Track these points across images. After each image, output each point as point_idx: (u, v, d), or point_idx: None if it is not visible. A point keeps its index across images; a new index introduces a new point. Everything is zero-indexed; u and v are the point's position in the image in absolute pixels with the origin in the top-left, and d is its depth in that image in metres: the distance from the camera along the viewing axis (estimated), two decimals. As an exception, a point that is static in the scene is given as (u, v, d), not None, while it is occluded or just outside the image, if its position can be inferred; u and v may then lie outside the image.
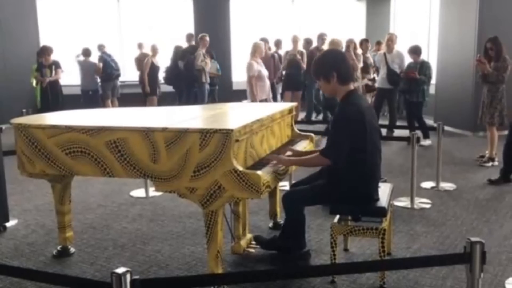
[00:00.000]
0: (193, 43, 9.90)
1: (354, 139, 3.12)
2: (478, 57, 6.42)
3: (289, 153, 3.63)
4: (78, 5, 12.06)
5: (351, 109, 3.17)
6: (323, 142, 3.49)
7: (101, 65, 10.33)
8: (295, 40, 9.30)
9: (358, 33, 12.24)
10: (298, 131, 4.22)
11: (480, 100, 6.56)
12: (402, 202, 4.91)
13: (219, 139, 2.87)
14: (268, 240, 3.69)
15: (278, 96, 9.81)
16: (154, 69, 9.80)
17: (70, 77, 11.38)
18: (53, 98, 9.44)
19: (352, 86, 3.29)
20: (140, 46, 10.84)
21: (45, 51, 9.47)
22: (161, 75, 10.24)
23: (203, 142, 2.90)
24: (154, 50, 9.84)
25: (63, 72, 9.74)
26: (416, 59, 7.77)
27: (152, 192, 5.30)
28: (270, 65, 9.35)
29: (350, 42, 8.75)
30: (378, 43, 10.31)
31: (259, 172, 2.89)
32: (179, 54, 9.86)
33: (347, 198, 3.22)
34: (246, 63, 7.46)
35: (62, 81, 11.84)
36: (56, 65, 9.52)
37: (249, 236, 3.85)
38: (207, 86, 9.56)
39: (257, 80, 7.33)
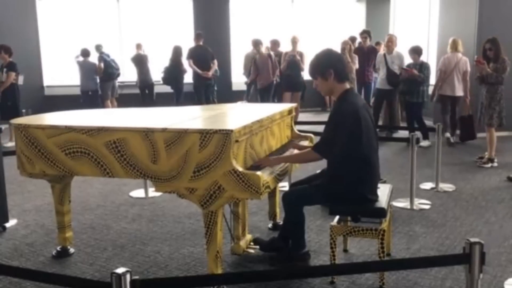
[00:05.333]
0: (201, 43, 9.86)
1: (350, 135, 3.14)
2: (477, 58, 6.43)
3: (294, 151, 3.68)
4: (78, 6, 12.05)
5: (346, 106, 3.21)
6: None
7: (102, 65, 10.32)
8: (294, 41, 9.30)
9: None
10: (297, 132, 4.23)
11: (479, 101, 6.56)
12: (402, 203, 4.92)
13: (219, 140, 2.88)
14: (267, 242, 3.70)
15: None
16: None
17: (69, 78, 11.41)
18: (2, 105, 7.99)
19: (348, 85, 3.31)
20: (138, 46, 10.79)
21: (1, 49, 8.20)
22: (159, 75, 10.24)
23: (203, 142, 2.91)
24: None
25: (20, 75, 8.30)
26: (416, 59, 7.78)
27: (152, 192, 5.30)
28: (268, 65, 9.37)
29: (345, 44, 8.74)
30: (378, 44, 10.32)
31: (258, 173, 2.89)
32: (191, 53, 9.79)
33: (346, 198, 3.22)
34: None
35: (62, 81, 11.83)
36: (9, 67, 8.10)
37: (248, 236, 3.85)
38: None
39: None
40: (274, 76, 9.50)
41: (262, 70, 9.41)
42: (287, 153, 3.66)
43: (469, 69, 7.72)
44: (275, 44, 9.79)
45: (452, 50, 7.81)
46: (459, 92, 7.77)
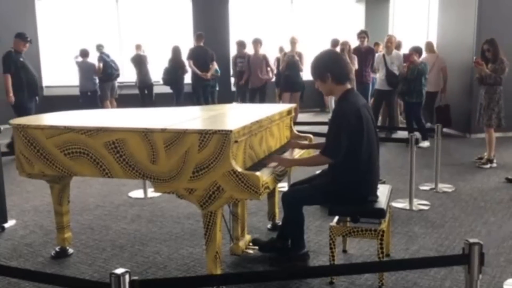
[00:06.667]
0: (202, 44, 9.84)
1: (351, 135, 3.14)
2: (476, 59, 6.44)
3: (294, 150, 3.67)
4: (77, 6, 12.05)
5: (348, 106, 3.21)
6: None
7: (101, 65, 10.31)
8: (293, 41, 9.30)
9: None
10: (297, 132, 4.22)
11: (478, 102, 6.57)
12: (401, 204, 4.92)
13: (218, 140, 2.87)
14: (266, 242, 3.69)
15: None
16: None
17: (68, 78, 11.39)
18: None
19: (349, 85, 3.31)
20: (137, 47, 10.77)
21: None
22: (159, 76, 10.23)
23: (202, 143, 2.90)
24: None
25: None
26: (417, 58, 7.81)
27: (151, 193, 5.29)
28: (261, 66, 9.36)
29: (344, 45, 8.74)
30: (376, 44, 10.33)
31: (258, 173, 2.89)
32: (191, 54, 9.77)
33: (346, 198, 3.22)
34: None
35: (62, 82, 11.82)
36: None
37: (247, 237, 3.85)
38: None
39: None
40: (268, 77, 9.50)
41: (254, 70, 9.41)
42: (288, 153, 3.66)
43: (445, 64, 8.64)
44: (240, 45, 9.80)
45: (427, 52, 8.72)
46: (437, 87, 8.70)
